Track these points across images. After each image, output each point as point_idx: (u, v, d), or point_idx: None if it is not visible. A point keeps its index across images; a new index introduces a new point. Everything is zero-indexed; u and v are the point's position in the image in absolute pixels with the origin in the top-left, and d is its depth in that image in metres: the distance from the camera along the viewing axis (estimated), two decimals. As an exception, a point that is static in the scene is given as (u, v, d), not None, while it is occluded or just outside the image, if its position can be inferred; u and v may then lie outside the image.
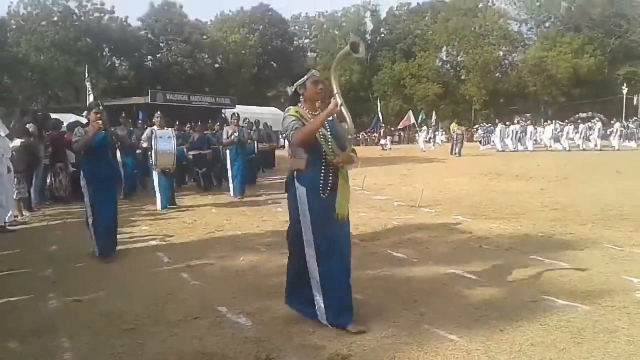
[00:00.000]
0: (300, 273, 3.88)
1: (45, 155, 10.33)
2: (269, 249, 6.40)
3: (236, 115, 12.14)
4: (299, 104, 3.86)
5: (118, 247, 6.67)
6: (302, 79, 3.85)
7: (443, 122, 44.60)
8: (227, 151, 11.46)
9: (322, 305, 3.76)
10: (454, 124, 30.29)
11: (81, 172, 6.14)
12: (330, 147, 3.73)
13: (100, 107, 6.19)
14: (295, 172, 3.82)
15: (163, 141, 9.70)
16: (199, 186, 13.18)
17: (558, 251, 5.90)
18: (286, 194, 3.93)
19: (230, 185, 11.49)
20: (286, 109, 3.87)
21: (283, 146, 27.95)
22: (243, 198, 11.19)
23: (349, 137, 3.83)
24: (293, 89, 3.92)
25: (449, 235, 6.97)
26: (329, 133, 3.75)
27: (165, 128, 10.26)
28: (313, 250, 3.76)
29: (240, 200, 11.03)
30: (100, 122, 5.95)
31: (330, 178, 3.77)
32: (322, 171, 3.76)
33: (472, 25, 54.99)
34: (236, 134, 11.26)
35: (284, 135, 3.96)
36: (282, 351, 3.41)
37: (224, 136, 11.56)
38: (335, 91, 3.60)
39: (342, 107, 3.57)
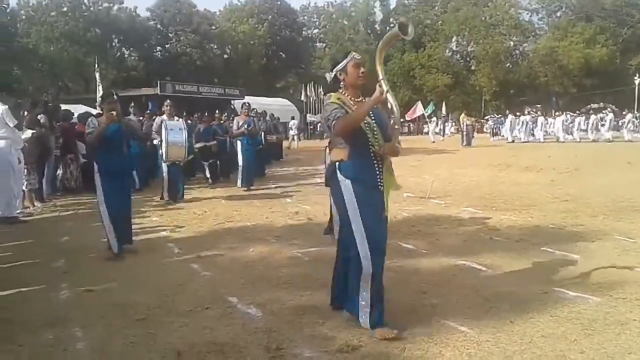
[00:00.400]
0: (345, 273, 3.69)
1: (55, 146, 10.39)
2: (279, 240, 6.41)
3: (247, 105, 11.88)
4: (340, 91, 3.60)
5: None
6: (342, 62, 3.57)
7: (453, 113, 44.41)
8: (239, 142, 11.30)
9: (368, 306, 3.51)
10: (463, 114, 30.16)
11: (94, 165, 5.82)
12: (375, 137, 3.50)
13: (115, 98, 5.96)
14: (337, 163, 3.56)
15: (174, 133, 9.36)
16: (205, 179, 12.92)
17: (569, 243, 5.87)
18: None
19: (239, 175, 11.33)
20: (327, 96, 3.61)
21: (287, 137, 28.04)
22: (250, 189, 11.07)
23: (396, 127, 3.60)
24: (333, 75, 3.65)
25: (459, 227, 6.96)
26: (373, 122, 3.52)
27: (176, 118, 10.02)
28: (366, 248, 3.49)
29: (246, 191, 10.91)
30: (114, 113, 5.67)
31: (378, 171, 3.54)
32: (369, 163, 3.52)
33: (482, 14, 54.57)
34: (246, 125, 11.07)
35: (322, 124, 3.66)
36: (293, 342, 3.42)
37: (234, 127, 11.38)
38: (380, 77, 3.37)
39: (388, 95, 3.35)
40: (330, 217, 6.02)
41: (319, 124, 46.92)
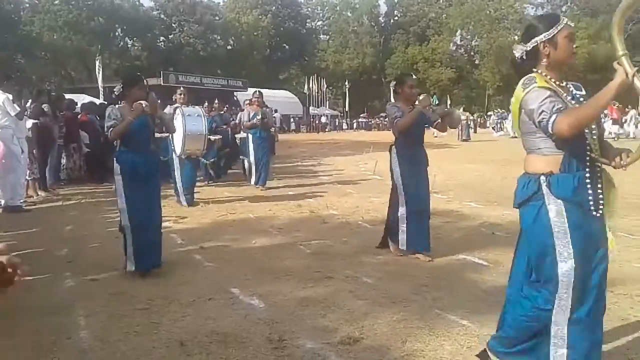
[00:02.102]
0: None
1: (59, 135, 10.40)
2: (281, 233, 6.44)
3: (258, 93, 10.43)
4: (538, 71, 2.59)
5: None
6: (550, 31, 2.57)
7: (456, 108, 44.35)
8: (249, 136, 10.06)
9: None
10: (461, 109, 30.02)
11: (115, 166, 4.73)
12: (594, 139, 2.54)
13: (145, 82, 4.93)
14: (545, 177, 2.52)
15: (192, 120, 8.10)
16: (206, 178, 11.17)
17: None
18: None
19: (253, 174, 10.19)
20: (527, 78, 2.56)
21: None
22: (265, 189, 10.03)
23: None
24: (530, 47, 2.62)
25: (461, 222, 6.97)
26: None
27: (192, 105, 8.88)
28: (570, 297, 2.48)
29: (263, 190, 9.89)
30: (143, 103, 4.58)
31: (600, 186, 2.56)
32: (588, 176, 2.52)
33: (487, 8, 54.38)
34: (259, 117, 9.82)
35: (531, 118, 2.52)
36: (295, 333, 3.44)
37: (245, 118, 10.26)
38: (620, 52, 2.35)
39: (635, 79, 2.28)
40: (386, 226, 5.49)
41: (322, 116, 46.97)
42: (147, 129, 4.82)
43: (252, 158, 10.09)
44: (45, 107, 9.70)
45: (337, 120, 50.87)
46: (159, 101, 12.66)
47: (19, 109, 8.04)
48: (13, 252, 4.63)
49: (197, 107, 8.88)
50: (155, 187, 4.92)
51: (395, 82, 5.44)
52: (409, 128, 5.07)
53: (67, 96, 13.07)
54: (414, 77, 5.40)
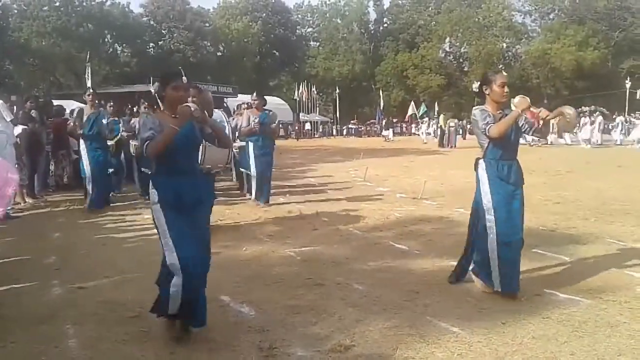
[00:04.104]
0: None
1: (47, 142, 10.33)
2: (272, 240, 6.41)
3: (256, 95, 9.08)
4: None
5: (122, 235, 6.67)
6: None
7: (447, 114, 44.58)
8: (250, 144, 8.59)
9: None
10: (442, 116, 30.08)
11: (151, 191, 3.48)
12: None
13: (185, 79, 3.62)
14: None
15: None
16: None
17: (560, 245, 5.91)
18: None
19: (253, 189, 8.79)
20: None
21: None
22: (269, 206, 8.65)
23: None
24: None
25: (452, 228, 6.99)
26: None
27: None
28: None
29: (264, 207, 8.52)
30: (191, 106, 3.40)
31: None
32: None
33: (476, 16, 54.80)
34: (257, 120, 8.40)
35: None
36: (285, 341, 3.43)
37: (243, 123, 8.66)
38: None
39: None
40: (464, 257, 4.65)
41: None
42: (194, 142, 3.59)
43: (252, 171, 8.62)
44: (33, 113, 9.63)
45: (327, 126, 50.93)
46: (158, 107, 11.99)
47: (12, 115, 7.99)
48: (0, 259, 4.53)
49: (218, 110, 6.85)
50: (204, 221, 3.65)
51: (481, 82, 4.41)
52: (504, 136, 4.19)
53: (56, 102, 13.00)
54: (504, 73, 4.34)
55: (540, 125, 4.34)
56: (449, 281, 4.58)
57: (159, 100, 3.58)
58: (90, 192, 8.28)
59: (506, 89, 4.23)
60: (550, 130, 4.93)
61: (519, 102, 4.29)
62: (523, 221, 4.35)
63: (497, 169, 4.26)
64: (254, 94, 9.24)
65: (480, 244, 4.37)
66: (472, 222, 4.57)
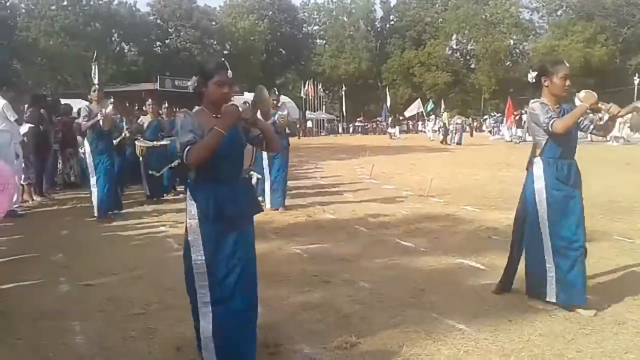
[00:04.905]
0: None
1: (55, 140, 10.38)
2: (279, 237, 6.42)
3: (275, 92, 8.34)
4: None
5: (129, 233, 6.69)
6: None
7: (452, 111, 44.46)
8: None
9: None
10: (446, 113, 29.95)
11: (190, 204, 2.95)
12: None
13: (230, 72, 2.97)
14: None
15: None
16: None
17: (567, 242, 5.87)
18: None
19: (267, 194, 8.15)
20: None
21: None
22: (285, 210, 8.15)
23: None
24: None
25: (458, 225, 6.97)
26: None
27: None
28: None
29: (282, 213, 7.99)
30: (239, 105, 2.94)
31: None
32: None
33: (483, 13, 54.58)
34: (275, 117, 7.59)
35: None
36: (291, 338, 3.43)
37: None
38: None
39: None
40: (509, 268, 4.30)
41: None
42: (240, 147, 3.05)
43: (266, 173, 8.11)
44: (42, 112, 9.68)
45: (333, 124, 50.89)
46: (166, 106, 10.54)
47: (17, 115, 8.03)
48: (8, 257, 4.58)
49: (288, 100, 6.38)
50: (249, 238, 3.12)
51: (538, 73, 3.98)
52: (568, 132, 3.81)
53: (63, 101, 13.06)
54: (567, 64, 3.95)
55: (609, 122, 4.02)
56: (494, 292, 4.22)
57: (196, 97, 3.05)
58: (96, 200, 7.40)
59: (568, 82, 3.90)
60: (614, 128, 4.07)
61: (585, 96, 3.94)
62: (584, 227, 3.88)
63: (556, 168, 3.85)
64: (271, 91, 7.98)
65: (533, 251, 3.97)
66: (519, 226, 4.17)
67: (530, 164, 4.00)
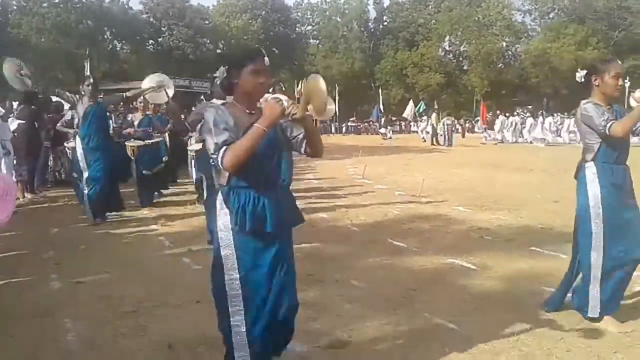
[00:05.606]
0: None
1: (46, 137, 10.32)
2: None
3: (282, 86, 8.01)
4: None
5: (121, 230, 6.68)
6: None
7: (443, 112, 44.59)
8: None
9: None
10: (434, 114, 29.93)
11: (223, 212, 2.57)
12: None
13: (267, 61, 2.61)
14: None
15: None
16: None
17: (558, 243, 5.90)
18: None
19: None
20: None
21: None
22: None
23: None
24: None
25: (450, 226, 7.00)
26: None
27: None
28: None
29: None
30: (283, 99, 2.55)
31: None
32: None
33: (475, 15, 54.70)
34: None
35: None
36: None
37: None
38: None
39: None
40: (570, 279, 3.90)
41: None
42: (280, 148, 2.63)
43: None
44: (33, 108, 9.63)
45: (325, 124, 50.85)
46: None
47: (3, 110, 7.96)
48: (-1, 254, 4.46)
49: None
50: (288, 252, 2.71)
51: (588, 71, 3.72)
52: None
53: (55, 99, 12.96)
54: (619, 62, 3.68)
55: None
56: (545, 310, 3.88)
57: (224, 90, 2.66)
58: (88, 204, 7.06)
59: (620, 81, 3.62)
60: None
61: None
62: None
63: (612, 173, 3.56)
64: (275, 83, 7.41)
65: (581, 262, 3.68)
66: (575, 236, 3.81)
67: (580, 170, 3.70)
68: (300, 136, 2.63)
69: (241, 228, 2.48)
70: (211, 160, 2.47)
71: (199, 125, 5.31)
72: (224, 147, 2.37)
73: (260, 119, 2.38)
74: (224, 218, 2.54)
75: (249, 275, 2.52)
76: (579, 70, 3.87)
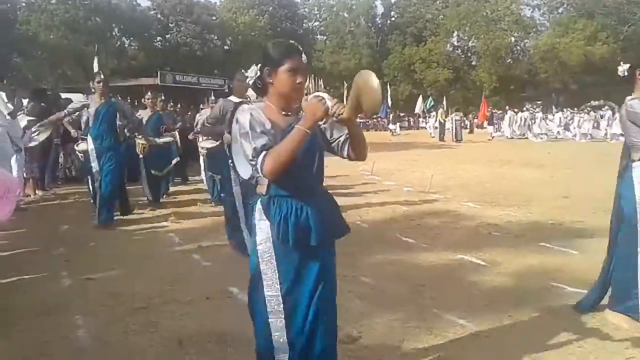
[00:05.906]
0: None
1: (56, 135, 10.36)
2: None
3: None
4: None
5: (131, 227, 6.71)
6: None
7: (452, 108, 44.45)
8: None
9: None
10: (441, 110, 29.80)
11: (259, 223, 2.35)
12: None
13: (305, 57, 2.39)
14: None
15: None
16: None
17: (568, 239, 5.89)
18: None
19: None
20: None
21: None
22: None
23: None
24: None
25: (459, 222, 6.98)
26: None
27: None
28: None
29: None
30: (325, 97, 2.23)
31: None
32: None
33: (483, 10, 54.40)
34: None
35: None
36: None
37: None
38: None
39: None
40: (603, 284, 3.86)
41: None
42: (319, 151, 2.47)
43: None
44: (42, 105, 9.68)
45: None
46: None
47: (12, 107, 7.98)
48: (9, 251, 4.58)
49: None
50: (332, 265, 2.45)
51: (631, 65, 3.60)
52: None
53: (64, 95, 13.04)
54: None
55: None
56: (577, 310, 3.78)
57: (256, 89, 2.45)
58: (99, 205, 6.79)
59: None
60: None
61: None
62: None
63: None
64: None
65: (625, 266, 3.53)
66: (613, 237, 3.73)
67: (625, 169, 3.54)
68: (342, 138, 2.42)
69: (283, 241, 2.25)
70: (250, 165, 2.24)
71: (225, 122, 5.24)
72: (264, 152, 2.17)
73: (301, 120, 2.18)
74: (262, 229, 2.31)
75: (291, 294, 2.29)
76: (621, 63, 3.71)
